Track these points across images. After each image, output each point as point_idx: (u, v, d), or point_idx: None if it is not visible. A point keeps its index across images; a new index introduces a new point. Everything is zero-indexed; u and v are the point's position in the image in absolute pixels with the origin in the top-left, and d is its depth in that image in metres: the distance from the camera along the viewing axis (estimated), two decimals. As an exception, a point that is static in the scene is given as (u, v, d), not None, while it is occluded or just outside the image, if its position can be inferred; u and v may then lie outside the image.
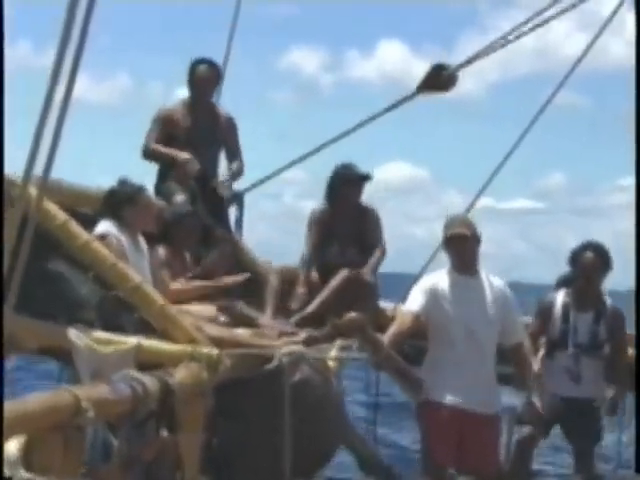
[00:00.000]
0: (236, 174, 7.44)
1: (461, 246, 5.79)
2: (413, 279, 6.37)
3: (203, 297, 6.32)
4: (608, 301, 6.78)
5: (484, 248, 5.90)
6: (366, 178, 7.02)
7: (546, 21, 6.68)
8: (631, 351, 6.68)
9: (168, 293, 5.94)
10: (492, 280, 5.91)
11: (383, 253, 7.16)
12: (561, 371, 6.67)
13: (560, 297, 6.77)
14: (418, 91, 7.15)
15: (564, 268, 6.95)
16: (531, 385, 6.05)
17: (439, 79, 7.09)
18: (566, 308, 6.70)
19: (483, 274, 5.90)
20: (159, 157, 7.26)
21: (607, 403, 6.75)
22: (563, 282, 6.93)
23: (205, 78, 7.34)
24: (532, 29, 6.77)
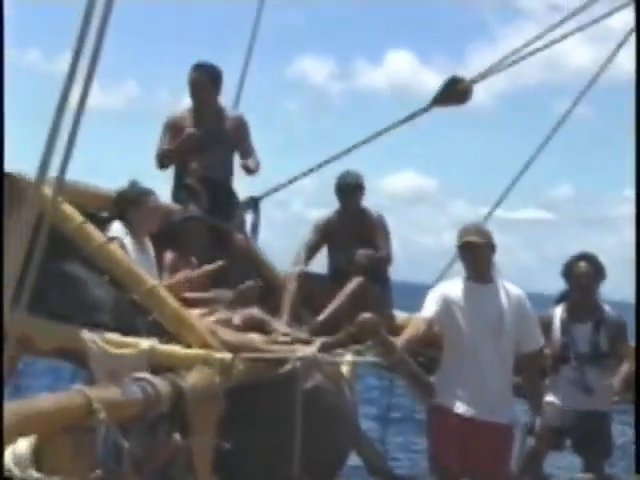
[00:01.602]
0: (252, 169, 7.43)
1: (473, 254, 5.79)
2: (428, 288, 6.37)
3: (193, 287, 6.26)
4: (607, 310, 6.76)
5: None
6: (356, 187, 7.06)
7: (557, 41, 6.71)
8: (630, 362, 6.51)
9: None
10: (508, 287, 5.88)
11: (388, 259, 7.18)
12: (569, 384, 6.63)
13: (559, 311, 6.79)
14: (433, 104, 7.18)
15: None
16: (540, 396, 6.02)
17: (454, 92, 7.14)
18: (565, 321, 6.72)
19: (498, 282, 5.88)
20: (170, 154, 7.29)
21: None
22: (562, 297, 6.92)
23: (196, 83, 7.33)
24: (547, 46, 6.80)
